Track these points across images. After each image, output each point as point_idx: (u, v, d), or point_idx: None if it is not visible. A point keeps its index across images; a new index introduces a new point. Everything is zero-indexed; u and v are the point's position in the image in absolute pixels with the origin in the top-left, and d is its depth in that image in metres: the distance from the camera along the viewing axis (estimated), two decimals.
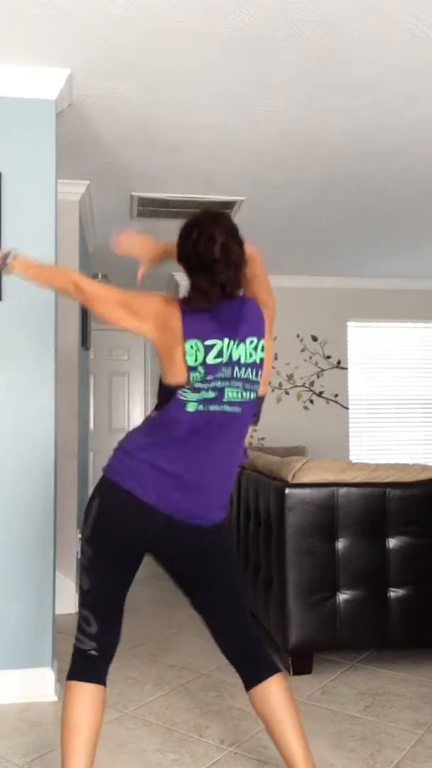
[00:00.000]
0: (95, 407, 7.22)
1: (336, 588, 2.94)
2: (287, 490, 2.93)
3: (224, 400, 1.78)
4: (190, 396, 1.76)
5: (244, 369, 1.80)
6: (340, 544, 2.96)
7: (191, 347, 1.75)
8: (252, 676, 1.87)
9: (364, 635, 2.97)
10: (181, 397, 1.76)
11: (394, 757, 2.23)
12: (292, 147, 3.53)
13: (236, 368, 1.79)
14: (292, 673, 2.93)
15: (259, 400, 1.86)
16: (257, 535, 3.33)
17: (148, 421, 1.84)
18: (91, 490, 7.82)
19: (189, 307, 1.80)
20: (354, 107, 3.11)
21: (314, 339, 6.74)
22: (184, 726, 2.46)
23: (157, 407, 1.84)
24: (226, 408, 1.78)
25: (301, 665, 2.94)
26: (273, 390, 6.63)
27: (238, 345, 1.79)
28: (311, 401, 6.72)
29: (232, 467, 1.85)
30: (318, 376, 6.74)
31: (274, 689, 1.84)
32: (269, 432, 6.50)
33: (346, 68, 2.77)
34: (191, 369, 1.75)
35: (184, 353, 1.75)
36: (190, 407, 1.76)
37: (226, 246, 1.80)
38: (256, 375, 1.82)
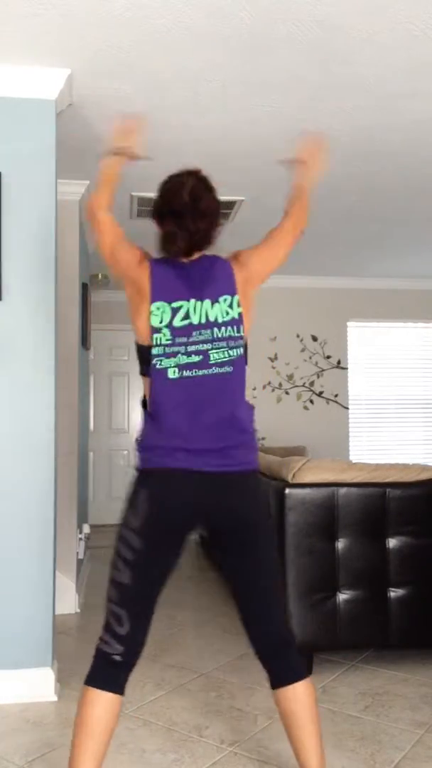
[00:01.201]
0: (95, 407, 7.22)
1: (336, 588, 2.94)
2: (287, 490, 2.93)
3: (211, 362, 1.79)
4: (166, 362, 1.78)
5: (224, 328, 1.81)
6: (340, 544, 2.96)
7: (157, 308, 1.79)
8: (281, 676, 1.85)
9: (364, 635, 2.97)
10: (158, 366, 1.78)
11: (394, 757, 2.23)
12: (292, 147, 3.53)
13: (215, 329, 1.80)
14: None
15: (246, 348, 1.87)
16: None
17: (144, 409, 1.87)
18: (91, 490, 7.81)
19: (159, 262, 1.83)
20: (354, 107, 3.11)
21: (314, 339, 6.74)
22: (184, 726, 2.46)
23: (141, 372, 1.87)
24: (215, 370, 1.80)
25: None
26: (273, 390, 6.63)
27: (213, 305, 1.81)
28: (311, 401, 6.72)
29: (240, 420, 1.83)
30: (318, 376, 6.74)
31: (301, 694, 1.82)
32: (269, 432, 6.50)
33: (346, 68, 2.77)
34: (155, 330, 1.78)
35: (150, 314, 1.79)
36: (171, 373, 1.78)
37: (195, 192, 1.82)
38: (238, 330, 1.83)
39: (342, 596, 2.94)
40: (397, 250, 5.68)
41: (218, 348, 1.80)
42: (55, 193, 2.89)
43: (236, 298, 1.83)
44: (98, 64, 2.74)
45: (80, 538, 4.26)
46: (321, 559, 2.93)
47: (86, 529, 4.53)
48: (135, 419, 7.34)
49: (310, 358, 6.73)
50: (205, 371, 1.79)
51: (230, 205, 4.39)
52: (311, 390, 6.73)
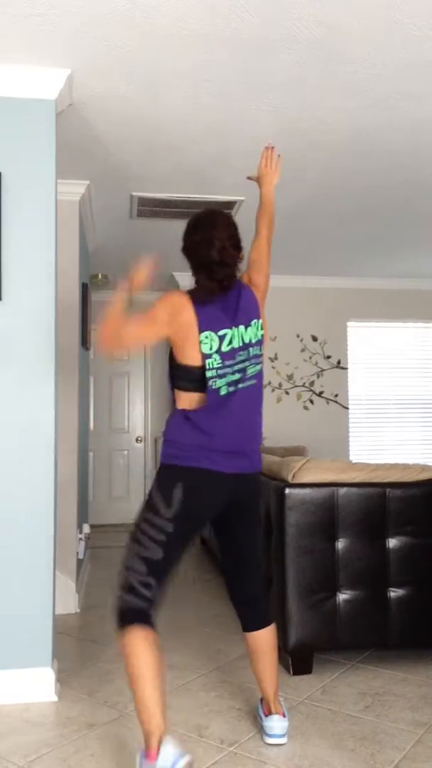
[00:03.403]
0: (95, 407, 7.22)
1: (336, 588, 2.94)
2: (287, 490, 2.93)
3: (247, 376, 2.17)
4: (219, 382, 2.11)
5: (255, 347, 2.19)
6: (340, 544, 2.96)
7: (206, 338, 2.11)
8: (251, 623, 2.32)
9: (364, 635, 2.97)
10: (214, 386, 2.10)
11: (394, 757, 2.23)
12: (292, 147, 3.53)
13: (250, 349, 2.18)
14: (292, 673, 2.93)
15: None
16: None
17: (183, 413, 2.15)
18: (91, 490, 7.81)
19: (198, 299, 2.14)
20: (354, 107, 3.11)
21: (314, 339, 6.74)
22: (184, 726, 2.46)
23: (180, 387, 2.18)
24: (248, 383, 2.17)
25: (301, 665, 2.94)
26: (273, 390, 6.63)
27: (246, 329, 2.17)
28: (311, 401, 6.72)
29: (259, 426, 2.24)
30: (318, 376, 6.74)
31: (265, 636, 2.32)
32: (269, 432, 6.50)
33: (346, 68, 2.77)
34: (207, 356, 2.11)
35: (200, 343, 2.10)
36: (223, 391, 2.12)
37: (222, 249, 2.16)
38: (261, 349, 2.23)
39: (342, 596, 2.94)
40: (397, 250, 5.68)
41: (252, 365, 2.18)
42: (55, 193, 2.89)
43: (260, 321, 2.22)
44: (98, 64, 2.74)
45: (80, 538, 4.26)
46: (321, 559, 2.93)
47: (86, 529, 4.53)
48: (135, 419, 7.34)
49: (310, 358, 6.73)
50: (243, 384, 2.16)
51: (230, 205, 4.39)
52: (311, 390, 6.73)
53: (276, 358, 6.64)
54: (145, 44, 2.60)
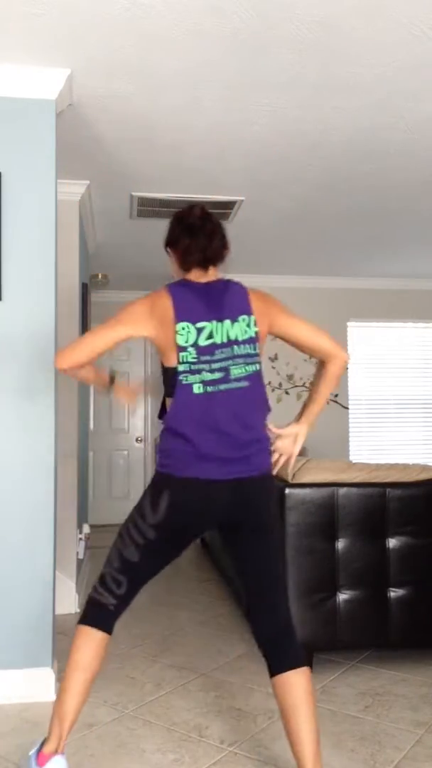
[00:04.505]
0: (95, 407, 7.21)
1: (336, 588, 2.94)
2: (287, 490, 2.93)
3: (231, 378, 1.94)
4: (192, 378, 1.92)
5: (243, 346, 1.97)
6: (340, 544, 2.96)
7: (183, 329, 1.93)
8: (278, 664, 1.93)
9: (364, 635, 2.97)
10: (184, 382, 1.92)
11: (394, 757, 2.23)
12: (292, 147, 3.53)
13: (236, 347, 1.96)
14: None
15: (260, 364, 2.04)
16: None
17: (166, 417, 2.00)
18: (91, 490, 7.79)
19: (176, 285, 2.00)
20: (354, 107, 3.11)
21: None
22: (184, 726, 2.46)
23: (167, 393, 2.01)
24: (234, 385, 1.94)
25: None
26: (273, 390, 6.63)
27: (233, 324, 1.97)
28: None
29: (256, 429, 1.97)
30: None
31: (298, 682, 1.89)
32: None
33: (346, 68, 2.77)
34: (181, 349, 1.92)
35: (176, 334, 1.93)
36: (196, 389, 1.92)
37: (204, 212, 2.06)
38: (254, 348, 1.99)
39: (342, 596, 2.94)
40: (397, 250, 5.68)
41: (237, 364, 1.96)
42: (55, 193, 2.89)
43: (253, 318, 2.00)
44: (98, 64, 2.74)
45: (80, 538, 4.26)
46: (321, 559, 2.93)
47: (86, 529, 4.53)
48: (135, 419, 7.34)
49: (310, 358, 6.69)
50: (226, 385, 1.94)
51: (230, 205, 4.39)
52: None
53: (276, 358, 6.64)
54: (145, 44, 2.60)
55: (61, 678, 2.10)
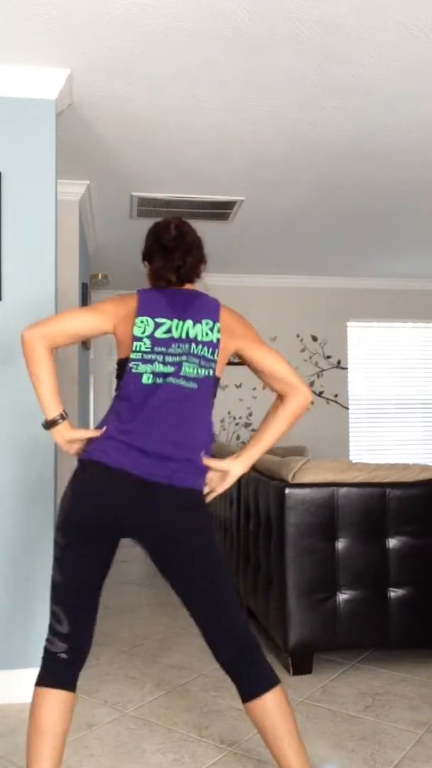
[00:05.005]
0: (95, 407, 7.21)
1: (336, 588, 2.94)
2: (287, 490, 2.93)
3: (182, 374, 1.85)
4: (142, 368, 1.84)
5: (201, 347, 1.88)
6: (340, 544, 2.96)
7: (141, 322, 1.87)
8: (249, 689, 1.79)
9: (364, 635, 2.97)
10: (134, 370, 1.85)
11: (394, 757, 2.23)
12: (292, 147, 3.53)
13: (193, 345, 1.87)
14: (292, 673, 2.93)
15: (216, 380, 1.92)
16: (257, 535, 3.33)
17: (111, 405, 1.91)
18: None
19: (145, 290, 1.94)
20: (354, 107, 3.11)
21: (314, 339, 6.74)
22: (184, 726, 2.46)
23: (116, 387, 1.91)
24: (183, 383, 1.85)
25: (301, 665, 2.94)
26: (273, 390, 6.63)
27: (195, 325, 1.89)
28: (311, 401, 6.72)
29: (192, 438, 1.84)
30: (318, 376, 6.74)
31: (273, 704, 1.77)
32: None
33: (346, 68, 2.77)
34: (136, 339, 1.85)
35: (134, 326, 1.87)
36: (145, 379, 1.84)
37: (180, 227, 1.96)
38: (213, 354, 1.89)
39: (342, 596, 2.94)
40: (397, 250, 5.68)
41: (190, 362, 1.86)
42: (55, 193, 2.89)
43: (218, 325, 1.90)
44: (98, 64, 2.74)
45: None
46: (321, 559, 2.93)
47: None
48: None
49: (310, 358, 6.73)
50: (174, 380, 1.84)
51: (230, 205, 4.39)
52: (311, 390, 6.73)
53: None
54: (145, 44, 2.60)
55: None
